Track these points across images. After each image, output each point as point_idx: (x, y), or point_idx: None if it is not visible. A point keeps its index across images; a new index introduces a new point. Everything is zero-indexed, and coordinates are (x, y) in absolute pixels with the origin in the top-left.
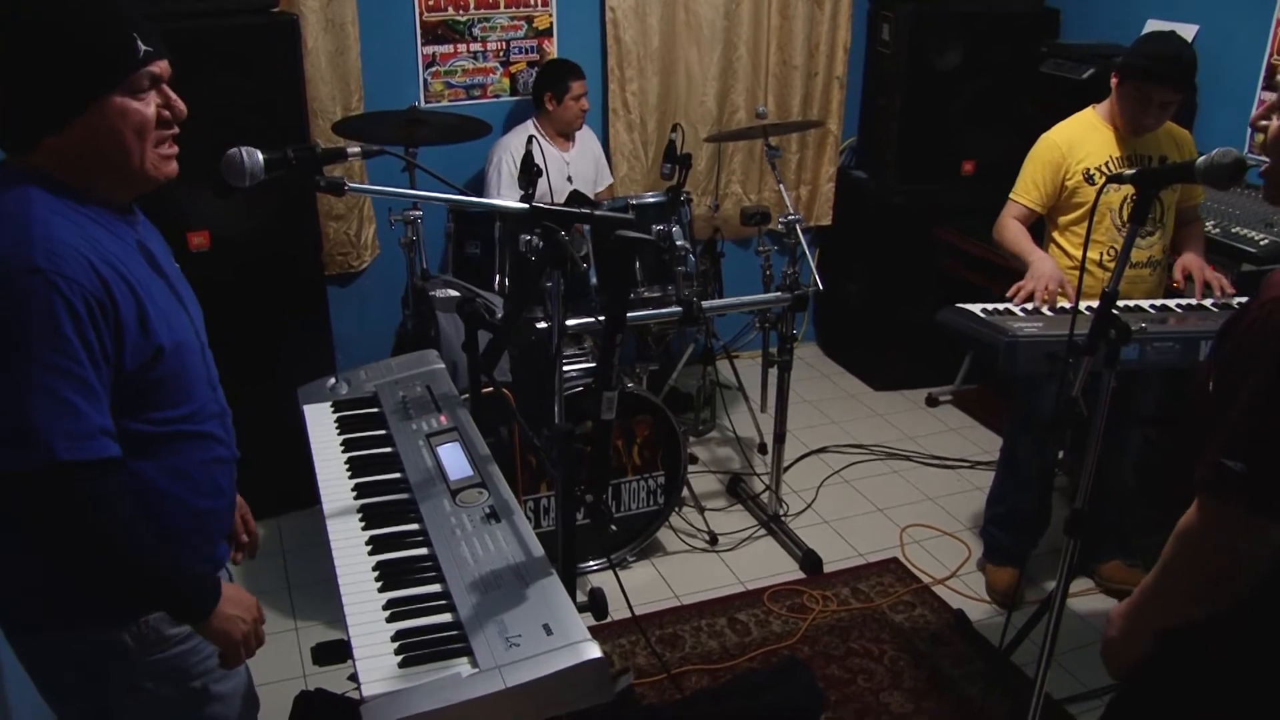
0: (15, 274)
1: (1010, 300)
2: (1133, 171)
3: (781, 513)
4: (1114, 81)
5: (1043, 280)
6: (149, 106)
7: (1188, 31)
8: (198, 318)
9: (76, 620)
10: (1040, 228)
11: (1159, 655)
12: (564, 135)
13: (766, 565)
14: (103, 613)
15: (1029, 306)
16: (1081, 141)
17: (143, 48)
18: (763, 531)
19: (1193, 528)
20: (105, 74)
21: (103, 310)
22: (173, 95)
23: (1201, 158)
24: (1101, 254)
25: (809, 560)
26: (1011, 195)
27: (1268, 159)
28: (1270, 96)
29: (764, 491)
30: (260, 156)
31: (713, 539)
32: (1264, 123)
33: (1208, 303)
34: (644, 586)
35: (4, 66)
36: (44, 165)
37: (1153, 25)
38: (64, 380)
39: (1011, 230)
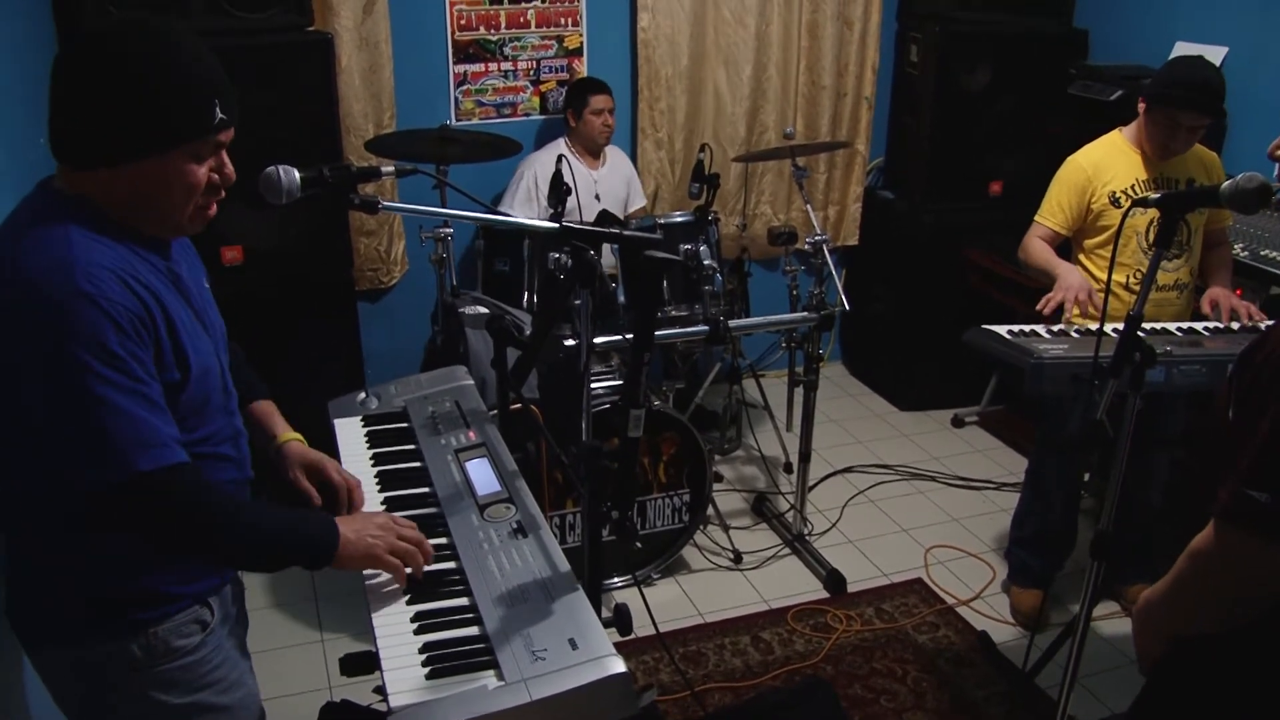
0: (63, 297)
1: (1040, 312)
2: (1158, 195)
3: (806, 532)
4: (1141, 107)
5: (1072, 291)
6: (203, 170)
7: (1217, 54)
8: (221, 342)
9: (86, 633)
10: (1066, 250)
11: (1170, 664)
12: (591, 153)
13: (790, 584)
14: (112, 625)
15: (1056, 328)
16: (1108, 164)
17: (219, 115)
18: (787, 550)
19: (1209, 551)
20: (177, 132)
21: (145, 329)
22: (227, 162)
23: (1227, 182)
24: (1128, 277)
25: (833, 580)
26: (1036, 217)
27: None
28: None
29: (789, 510)
30: (297, 175)
31: (737, 557)
32: None
33: (1234, 325)
34: (668, 604)
35: (92, 91)
36: (89, 190)
37: (1181, 47)
38: (127, 396)
39: (1036, 247)
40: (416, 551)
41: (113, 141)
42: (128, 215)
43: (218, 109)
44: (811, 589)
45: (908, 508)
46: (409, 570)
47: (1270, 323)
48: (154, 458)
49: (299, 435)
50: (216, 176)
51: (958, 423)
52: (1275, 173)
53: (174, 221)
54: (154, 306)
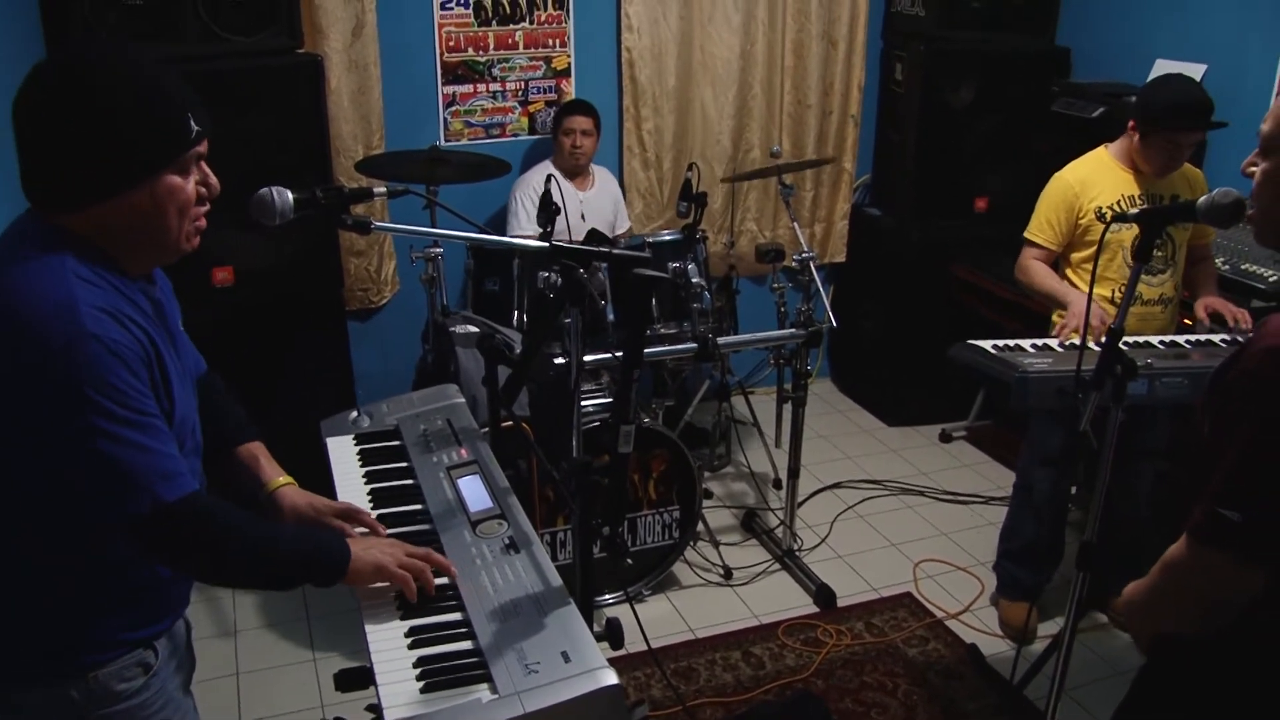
0: (70, 340)
1: (1056, 338)
2: (1136, 211)
3: (796, 547)
4: (1133, 129)
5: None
6: (191, 184)
7: (1196, 70)
8: (191, 378)
9: (24, 675)
10: (1055, 263)
11: (1151, 667)
12: (570, 174)
13: (781, 599)
14: (51, 668)
15: (1040, 342)
16: (1095, 180)
17: (194, 127)
18: (777, 566)
19: (1182, 566)
20: (162, 153)
21: (145, 366)
22: (209, 172)
23: (1203, 198)
24: (1113, 291)
25: (823, 594)
26: (1026, 234)
27: (1255, 204)
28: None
29: (778, 526)
30: (290, 196)
31: (727, 573)
32: (1252, 169)
33: (1217, 338)
34: (659, 620)
35: (67, 133)
36: (81, 229)
37: (1162, 65)
38: (143, 432)
39: (1037, 271)
40: (425, 566)
41: (101, 176)
42: (123, 248)
43: (192, 121)
44: (801, 604)
45: (896, 522)
46: (418, 585)
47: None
48: (176, 487)
49: (290, 479)
50: (204, 189)
51: (945, 438)
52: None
53: (172, 243)
54: (147, 345)
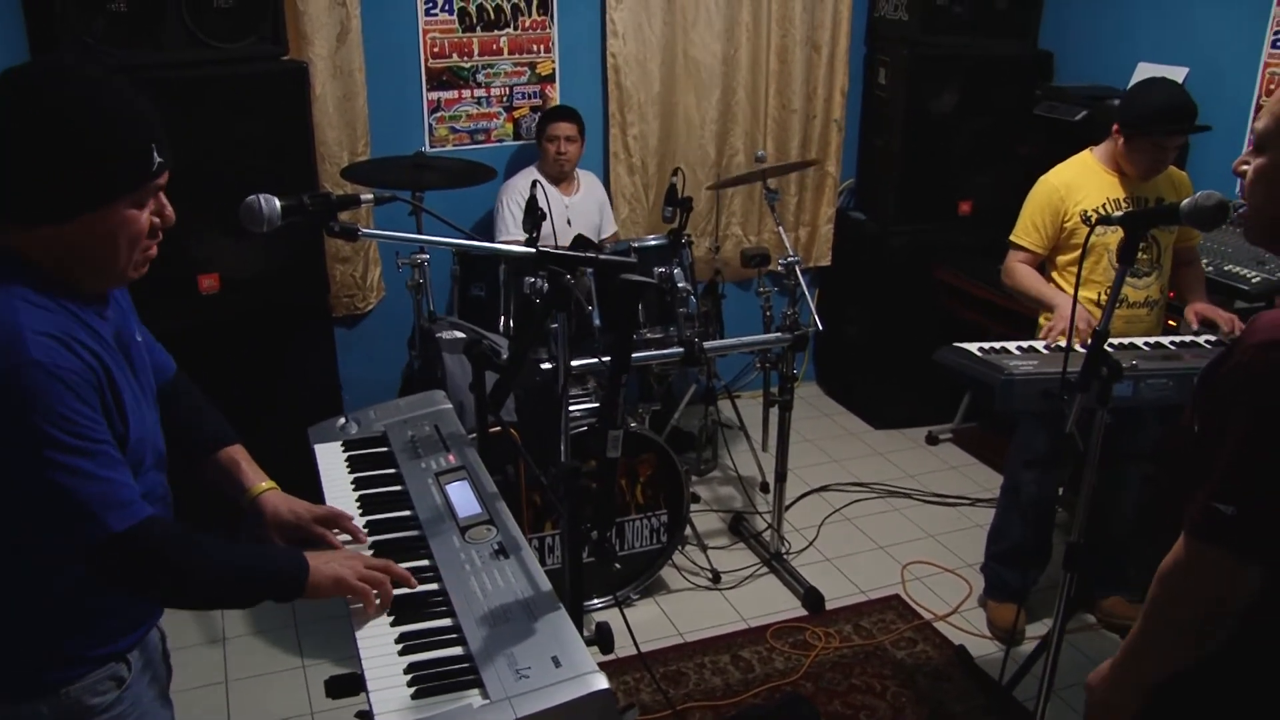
0: (15, 368)
1: (1043, 340)
2: (1120, 214)
3: (783, 550)
4: (1117, 133)
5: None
6: (145, 216)
7: (1178, 74)
8: (150, 393)
9: None
10: (1039, 267)
11: (1156, 710)
12: (558, 179)
13: (769, 603)
14: (20, 685)
15: (1026, 345)
16: (1080, 184)
17: (157, 159)
18: (765, 569)
19: (1179, 568)
20: (121, 182)
21: (95, 391)
22: (166, 204)
23: (1186, 200)
24: (1099, 294)
25: (811, 597)
26: (1012, 238)
27: (1248, 200)
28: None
29: (766, 530)
30: (278, 203)
31: (715, 577)
32: (1244, 167)
33: (1201, 339)
34: (648, 624)
35: (33, 151)
36: (28, 250)
37: (1144, 68)
38: (92, 460)
39: (1023, 274)
40: (385, 578)
41: (57, 198)
42: (70, 271)
43: (155, 153)
44: (790, 607)
45: (884, 525)
46: (378, 598)
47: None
48: (127, 516)
49: (272, 483)
50: (158, 220)
51: (932, 440)
52: (1238, 188)
53: (117, 272)
54: (98, 370)
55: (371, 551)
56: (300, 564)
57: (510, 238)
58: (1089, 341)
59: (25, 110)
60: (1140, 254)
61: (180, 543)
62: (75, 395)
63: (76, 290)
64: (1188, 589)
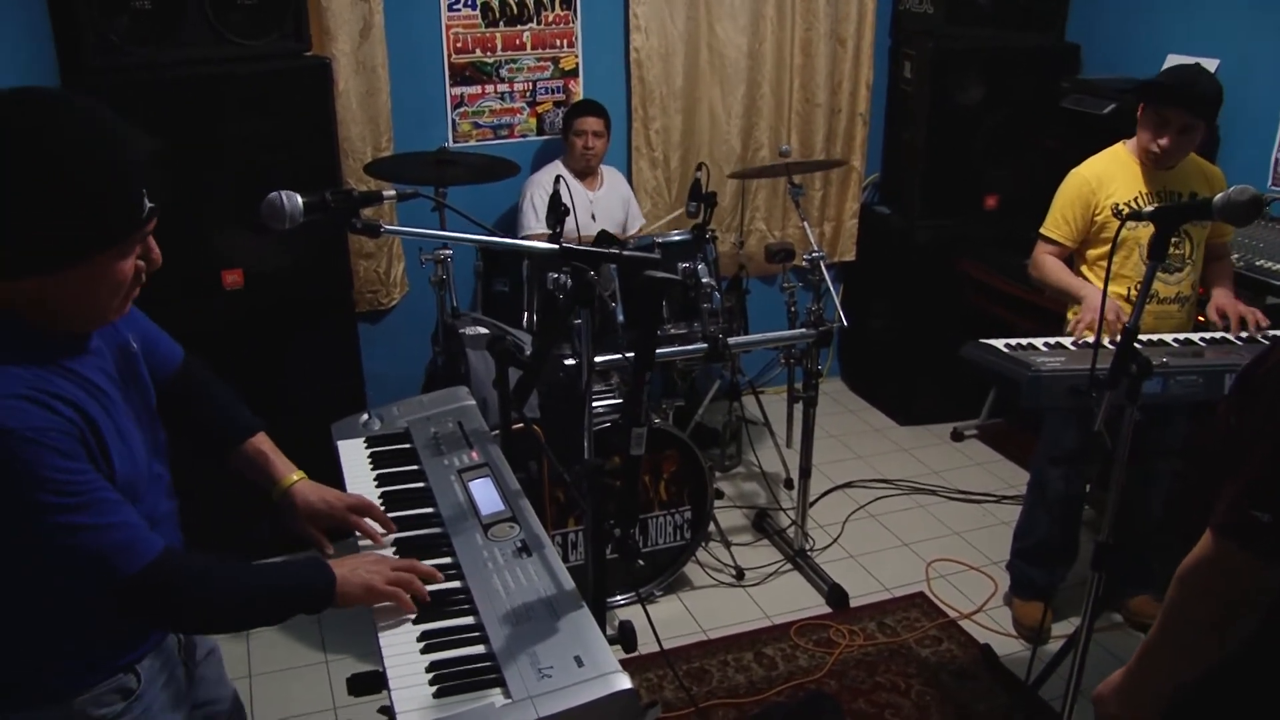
0: None
1: (1071, 335)
2: (1151, 209)
3: (807, 547)
4: (1139, 112)
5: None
6: (130, 264)
7: (1208, 65)
8: (147, 406)
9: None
10: (1069, 261)
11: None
12: (581, 174)
13: (792, 600)
14: (25, 695)
15: (1053, 341)
16: (1111, 176)
17: (147, 205)
18: (789, 566)
19: (1203, 565)
20: (112, 233)
21: (77, 442)
22: (154, 246)
23: (1219, 195)
24: (1129, 289)
25: (835, 595)
26: (1042, 230)
27: None
28: None
29: (790, 526)
30: (300, 200)
31: (739, 574)
32: None
33: (1233, 337)
34: (671, 621)
35: (23, 194)
36: (11, 300)
37: (1173, 60)
38: (89, 512)
39: (1051, 266)
40: (413, 577)
41: (52, 250)
42: (50, 316)
43: (145, 199)
44: (814, 604)
45: (908, 522)
46: (411, 597)
47: (1275, 334)
48: (135, 558)
49: (301, 474)
50: (143, 264)
51: (957, 436)
52: (1269, 181)
53: (97, 317)
54: (78, 420)
55: (394, 549)
56: (326, 575)
57: (534, 232)
58: (1118, 336)
59: (13, 150)
60: (1172, 249)
61: (198, 571)
62: (57, 453)
63: (54, 336)
64: (1211, 586)
